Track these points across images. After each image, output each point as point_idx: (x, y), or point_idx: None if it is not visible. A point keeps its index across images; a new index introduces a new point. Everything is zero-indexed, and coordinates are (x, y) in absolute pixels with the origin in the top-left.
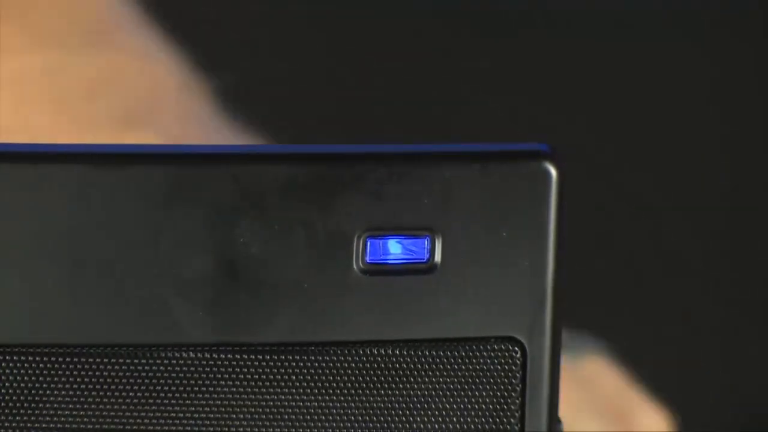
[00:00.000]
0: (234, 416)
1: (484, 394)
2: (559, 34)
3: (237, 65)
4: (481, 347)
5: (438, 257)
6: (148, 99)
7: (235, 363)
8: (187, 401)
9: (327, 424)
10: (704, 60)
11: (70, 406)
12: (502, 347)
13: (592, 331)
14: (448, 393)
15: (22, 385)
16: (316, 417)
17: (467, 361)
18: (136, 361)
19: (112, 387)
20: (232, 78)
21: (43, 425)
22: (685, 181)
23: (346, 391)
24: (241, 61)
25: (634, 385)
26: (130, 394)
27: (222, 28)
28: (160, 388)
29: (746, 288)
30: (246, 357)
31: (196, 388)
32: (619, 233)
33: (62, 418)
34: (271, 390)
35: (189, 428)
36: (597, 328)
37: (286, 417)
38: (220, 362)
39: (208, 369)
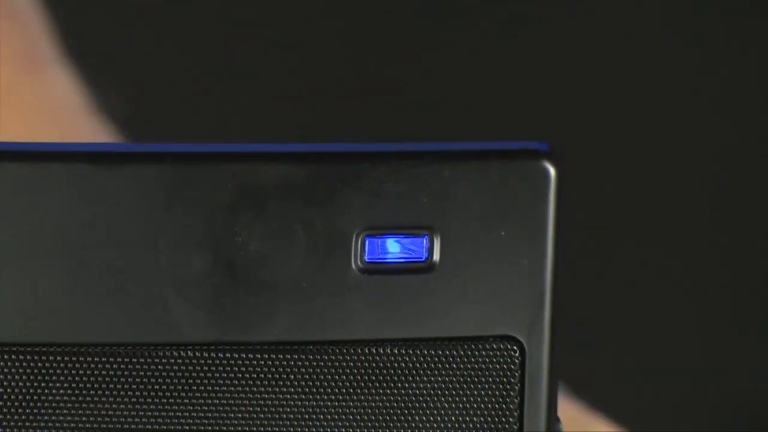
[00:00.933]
0: (233, 415)
1: (482, 393)
2: (559, 34)
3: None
4: (480, 346)
5: (437, 256)
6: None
7: (234, 362)
8: (185, 400)
9: (325, 423)
10: (704, 60)
11: (69, 405)
12: (501, 346)
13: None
14: (446, 392)
15: (21, 384)
16: (314, 416)
17: (466, 360)
18: (134, 360)
19: (111, 387)
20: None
21: (43, 425)
22: (685, 181)
23: (344, 391)
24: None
25: (590, 411)
26: (129, 393)
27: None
28: (158, 387)
29: (746, 288)
30: (245, 356)
31: (195, 388)
32: (619, 233)
33: (61, 418)
34: (270, 389)
35: (188, 428)
36: (597, 328)
37: (285, 416)
38: (219, 361)
39: (207, 368)
